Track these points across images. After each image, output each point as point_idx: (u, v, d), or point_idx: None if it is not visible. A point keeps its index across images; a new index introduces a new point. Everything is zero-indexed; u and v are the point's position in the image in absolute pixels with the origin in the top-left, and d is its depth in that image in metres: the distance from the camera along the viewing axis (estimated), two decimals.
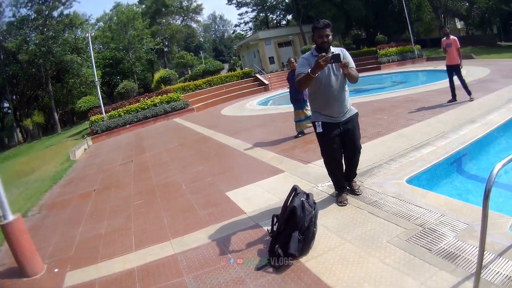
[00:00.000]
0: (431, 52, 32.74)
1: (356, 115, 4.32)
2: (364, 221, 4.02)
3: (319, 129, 4.15)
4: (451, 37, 10.25)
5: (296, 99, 9.17)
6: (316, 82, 3.95)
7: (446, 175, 5.95)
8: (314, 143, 7.35)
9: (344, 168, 4.56)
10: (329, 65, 3.88)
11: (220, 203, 5.38)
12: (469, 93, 10.17)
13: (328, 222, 4.13)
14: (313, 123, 4.24)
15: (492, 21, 39.39)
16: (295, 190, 3.65)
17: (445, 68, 10.72)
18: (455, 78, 10.37)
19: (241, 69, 40.07)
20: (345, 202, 4.43)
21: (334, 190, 4.69)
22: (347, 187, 4.69)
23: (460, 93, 10.36)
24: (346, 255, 3.44)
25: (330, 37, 3.95)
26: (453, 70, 10.32)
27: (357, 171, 4.88)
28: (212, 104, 23.94)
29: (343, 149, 4.34)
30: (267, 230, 3.82)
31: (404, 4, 31.25)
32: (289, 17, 50.86)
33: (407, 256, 3.27)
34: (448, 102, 10.17)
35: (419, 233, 3.63)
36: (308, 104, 7.77)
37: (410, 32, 31.17)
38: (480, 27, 41.20)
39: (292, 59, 9.66)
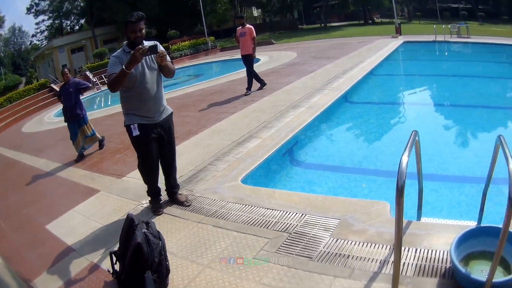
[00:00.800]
0: (225, 42, 38.35)
1: (172, 114, 4.85)
2: (214, 238, 4.12)
3: (136, 132, 4.49)
4: (247, 26, 11.55)
5: (75, 115, 8.89)
6: (130, 80, 4.31)
7: (281, 168, 6.40)
8: (121, 153, 8.15)
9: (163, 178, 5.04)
10: (144, 60, 4.34)
11: (45, 241, 5.35)
12: (250, 88, 11.68)
13: (172, 246, 4.11)
14: (128, 126, 4.53)
15: (294, 6, 47.48)
16: (131, 221, 3.63)
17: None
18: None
19: (37, 80, 43.76)
20: (160, 210, 4.89)
21: (149, 198, 5.07)
22: (172, 202, 5.09)
23: (271, 78, 11.45)
24: (214, 284, 3.41)
25: (143, 31, 4.39)
26: (247, 59, 11.66)
27: (180, 178, 5.21)
28: (14, 122, 25.17)
29: (161, 154, 4.80)
30: (108, 270, 3.86)
31: None
32: (82, 21, 58.97)
33: (288, 271, 3.35)
34: (246, 92, 11.64)
35: (286, 240, 3.78)
36: (87, 118, 8.95)
37: (204, 25, 36.26)
38: (280, 13, 49.32)
39: (66, 70, 9.03)
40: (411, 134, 3.12)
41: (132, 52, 4.09)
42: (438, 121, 8.77)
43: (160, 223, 4.66)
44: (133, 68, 4.11)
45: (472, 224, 3.88)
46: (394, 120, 9.13)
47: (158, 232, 3.76)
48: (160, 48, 4.34)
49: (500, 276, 2.83)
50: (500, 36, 23.38)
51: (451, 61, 18.98)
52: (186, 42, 34.47)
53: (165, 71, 4.53)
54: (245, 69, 11.81)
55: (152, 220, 4.14)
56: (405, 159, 2.62)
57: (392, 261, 3.18)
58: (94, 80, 29.00)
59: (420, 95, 11.86)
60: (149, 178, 4.90)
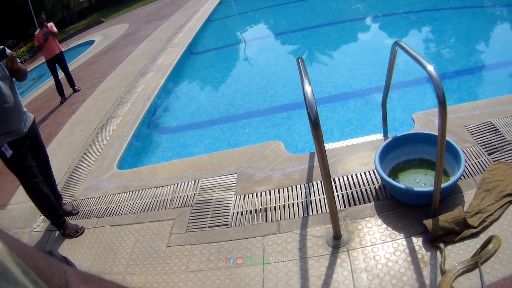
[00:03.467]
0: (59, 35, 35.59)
1: (34, 120, 4.30)
2: (118, 239, 3.74)
3: (9, 153, 3.91)
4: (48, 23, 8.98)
5: None
6: None
7: (151, 141, 6.14)
8: None
9: None
10: None
11: None
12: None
13: (82, 264, 3.69)
14: None
15: None
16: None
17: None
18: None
19: None
20: (79, 229, 4.19)
21: (55, 226, 4.35)
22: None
23: (110, 55, 10.60)
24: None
25: None
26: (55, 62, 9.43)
27: (58, 186, 4.74)
28: None
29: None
30: None
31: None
32: None
33: (211, 247, 3.14)
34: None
35: (192, 214, 3.58)
36: None
37: (36, 25, 32.85)
38: None
39: None
40: (298, 62, 2.91)
41: None
42: (289, 49, 8.97)
43: (57, 243, 4.20)
44: None
45: (378, 137, 3.87)
46: (245, 60, 9.14)
47: (65, 258, 3.29)
48: (8, 50, 3.84)
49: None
50: None
51: None
52: (24, 48, 31.54)
53: (18, 75, 4.00)
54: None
55: (53, 247, 3.78)
56: (308, 88, 2.43)
57: (315, 200, 3.18)
58: None
59: (263, 29, 12.07)
60: (45, 201, 4.21)
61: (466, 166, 2.95)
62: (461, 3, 9.34)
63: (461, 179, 2.89)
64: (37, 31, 8.90)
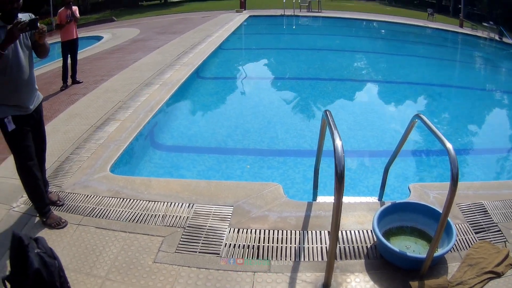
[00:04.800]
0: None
1: (42, 101, 4.23)
2: (102, 242, 3.65)
3: (11, 126, 3.78)
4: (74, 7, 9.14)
5: None
6: (1, 62, 3.59)
7: (145, 153, 6.13)
8: None
9: None
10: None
11: None
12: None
13: (62, 259, 3.43)
14: (1, 120, 3.79)
15: None
16: (20, 242, 2.99)
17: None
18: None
19: None
20: (61, 222, 4.06)
21: (38, 213, 4.19)
22: None
23: (117, 55, 10.58)
24: None
25: (21, 1, 3.67)
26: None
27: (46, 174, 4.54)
28: None
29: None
30: None
31: None
32: None
33: (199, 272, 3.13)
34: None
35: (183, 236, 3.57)
36: None
37: (51, 4, 32.41)
38: None
39: None
40: (327, 114, 2.99)
41: (6, 26, 3.51)
42: (294, 95, 9.16)
43: (35, 230, 4.05)
44: (7, 48, 3.49)
45: (374, 200, 4.11)
46: (250, 96, 9.30)
47: (51, 249, 3.22)
48: (39, 24, 3.72)
49: (425, 249, 3.06)
50: (352, 11, 25.25)
51: (301, 34, 19.93)
52: None
53: (41, 51, 3.88)
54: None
55: (31, 233, 3.59)
56: (339, 142, 2.55)
57: (309, 247, 3.28)
58: None
59: (272, 69, 12.32)
60: (34, 185, 4.08)
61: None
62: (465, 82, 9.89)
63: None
64: (62, 9, 8.91)
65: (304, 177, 5.10)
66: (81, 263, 3.41)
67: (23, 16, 3.71)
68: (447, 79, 11.01)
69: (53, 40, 25.37)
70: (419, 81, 10.58)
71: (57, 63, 13.21)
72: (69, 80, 9.34)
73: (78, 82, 9.39)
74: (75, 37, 9.19)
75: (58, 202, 4.39)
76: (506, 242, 3.37)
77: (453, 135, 6.78)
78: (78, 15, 9.06)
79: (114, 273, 3.23)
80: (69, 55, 9.29)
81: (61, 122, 6.89)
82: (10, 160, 5.13)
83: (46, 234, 3.86)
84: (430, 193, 3.97)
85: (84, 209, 4.18)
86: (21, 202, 4.59)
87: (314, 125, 6.86)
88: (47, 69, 12.27)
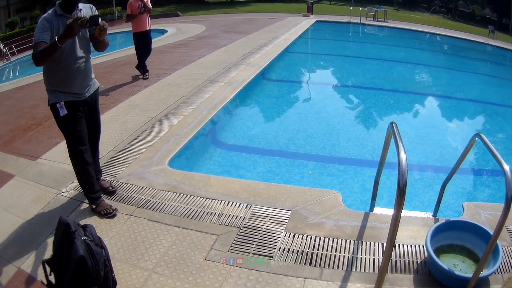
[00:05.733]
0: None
1: (98, 88, 4.24)
2: (153, 235, 3.60)
3: (63, 111, 3.83)
4: None
5: None
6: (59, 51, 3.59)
7: (205, 150, 5.95)
8: (32, 130, 6.70)
9: None
10: None
11: None
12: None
13: (109, 248, 3.44)
14: (53, 105, 3.86)
15: None
16: (67, 228, 2.99)
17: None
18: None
19: None
20: (111, 210, 4.02)
21: (88, 199, 4.22)
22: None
23: (182, 51, 10.47)
24: None
25: None
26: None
27: (100, 161, 4.56)
28: None
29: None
30: (41, 282, 3.26)
31: None
32: None
33: (249, 273, 3.03)
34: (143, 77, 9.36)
35: (238, 236, 3.46)
36: None
37: None
38: None
39: None
40: (392, 126, 2.88)
41: (66, 16, 3.49)
42: (359, 104, 8.75)
43: (83, 216, 4.06)
44: (65, 42, 3.40)
45: (428, 215, 3.93)
46: (315, 102, 8.91)
47: (99, 238, 3.21)
48: (101, 20, 3.66)
49: (472, 269, 2.95)
50: (417, 23, 24.78)
51: (366, 43, 19.55)
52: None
53: (99, 45, 3.85)
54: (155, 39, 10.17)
55: (78, 220, 3.53)
56: (403, 155, 2.46)
57: (362, 258, 3.14)
58: (5, 50, 25.71)
59: (339, 76, 11.93)
60: (84, 172, 4.08)
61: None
62: None
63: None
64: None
65: (363, 187, 4.91)
66: (129, 254, 3.39)
67: (84, 7, 3.76)
68: (507, 98, 10.29)
69: (115, 30, 26.02)
70: (479, 98, 10.05)
71: (118, 53, 13.46)
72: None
73: (145, 76, 9.20)
74: (148, 28, 8.99)
75: (110, 188, 4.39)
76: None
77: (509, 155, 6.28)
78: (150, 6, 8.86)
79: (162, 267, 3.20)
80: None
81: (120, 111, 6.81)
82: (63, 145, 5.15)
83: (95, 222, 3.86)
84: (482, 213, 3.74)
85: (138, 200, 4.13)
86: (71, 187, 4.60)
87: (375, 135, 6.64)
88: (108, 58, 12.41)
